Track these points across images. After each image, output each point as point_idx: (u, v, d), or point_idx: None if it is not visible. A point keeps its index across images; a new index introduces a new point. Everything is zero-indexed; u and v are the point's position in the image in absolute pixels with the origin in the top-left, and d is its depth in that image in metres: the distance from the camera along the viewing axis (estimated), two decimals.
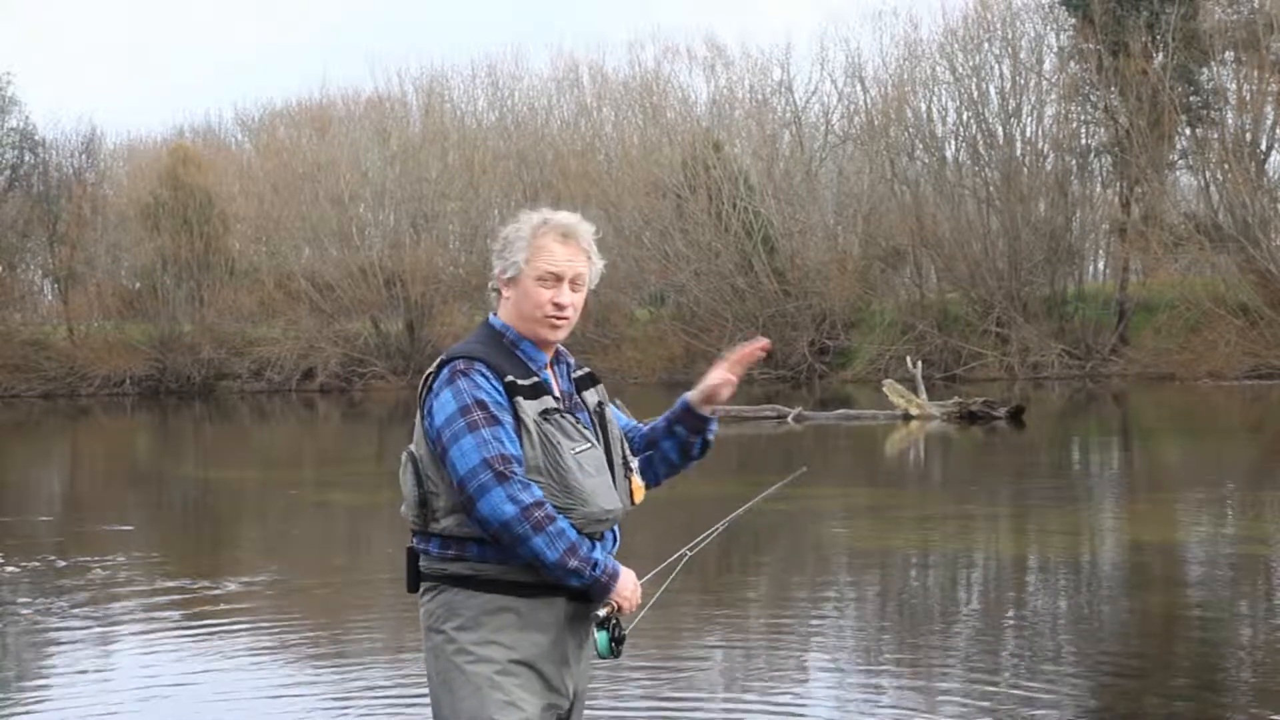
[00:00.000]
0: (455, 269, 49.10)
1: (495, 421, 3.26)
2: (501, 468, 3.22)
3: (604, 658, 3.34)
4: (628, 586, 3.35)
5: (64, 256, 51.82)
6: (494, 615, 3.30)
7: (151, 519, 15.29)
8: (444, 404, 3.30)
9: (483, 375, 3.30)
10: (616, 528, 3.47)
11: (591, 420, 3.46)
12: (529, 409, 3.30)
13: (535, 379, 3.36)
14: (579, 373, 3.55)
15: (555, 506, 3.25)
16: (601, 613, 3.31)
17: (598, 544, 3.34)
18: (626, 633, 3.36)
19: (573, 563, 3.24)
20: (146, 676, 7.24)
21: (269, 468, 21.71)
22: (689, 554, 3.68)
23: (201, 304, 48.82)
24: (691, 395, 3.66)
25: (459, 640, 3.31)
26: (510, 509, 3.21)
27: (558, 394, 3.41)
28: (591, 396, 3.52)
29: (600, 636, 3.31)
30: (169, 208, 49.42)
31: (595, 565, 3.28)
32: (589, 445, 3.36)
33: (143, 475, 21.23)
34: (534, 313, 3.39)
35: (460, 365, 3.33)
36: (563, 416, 3.35)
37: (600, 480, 3.35)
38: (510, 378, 3.31)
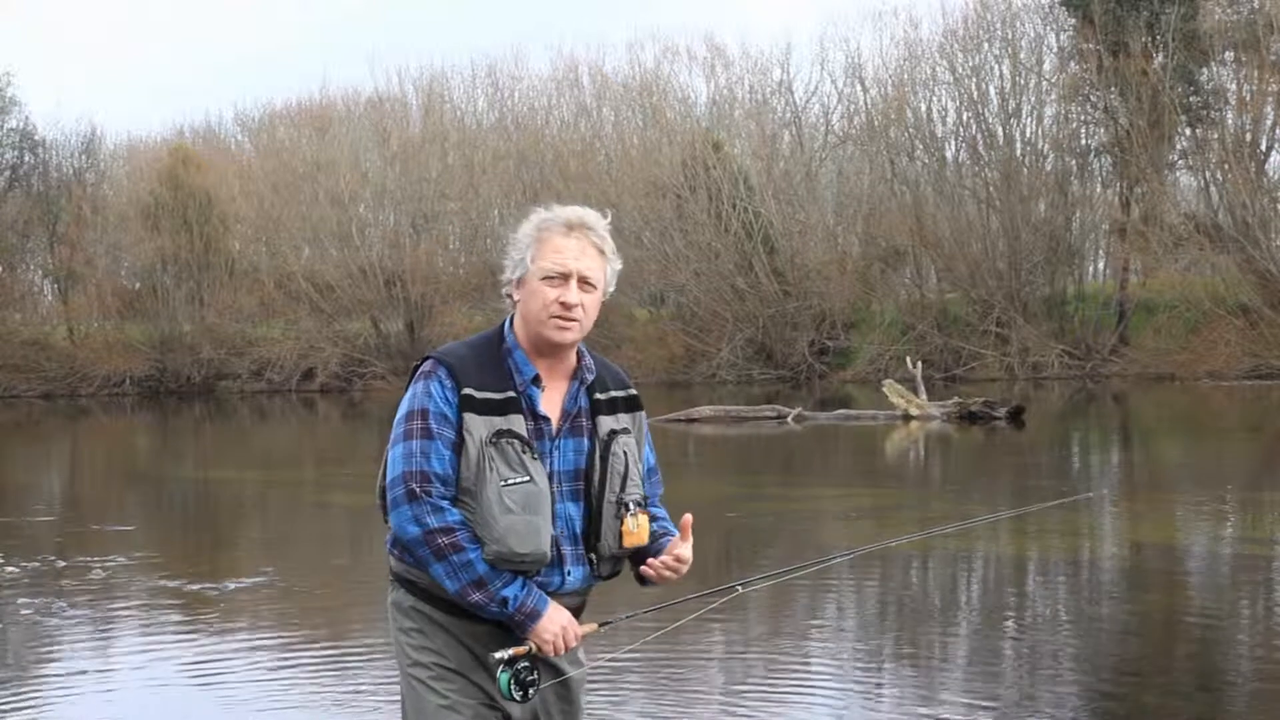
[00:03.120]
0: (455, 269, 49.14)
1: (429, 434, 3.12)
2: (416, 485, 3.09)
3: (506, 700, 3.15)
4: (549, 629, 3.14)
5: (64, 256, 51.85)
6: (427, 622, 3.22)
7: (151, 519, 15.29)
8: (402, 404, 3.22)
9: (440, 382, 3.16)
10: (587, 563, 3.26)
11: (591, 446, 3.26)
12: (478, 426, 3.12)
13: (509, 394, 3.17)
14: (612, 394, 3.32)
15: (470, 536, 3.10)
16: (502, 655, 3.11)
17: (518, 580, 3.12)
18: (537, 680, 3.14)
19: (475, 596, 3.09)
20: (146, 676, 7.24)
21: (269, 468, 21.71)
22: (740, 589, 3.48)
23: (201, 304, 48.84)
24: (642, 568, 3.34)
25: (400, 640, 3.27)
26: (413, 530, 3.10)
27: (542, 413, 3.20)
28: (606, 422, 3.29)
29: (501, 677, 3.12)
30: (169, 208, 49.43)
31: (506, 603, 3.10)
32: (523, 480, 3.11)
33: (143, 475, 21.22)
34: (540, 313, 3.19)
35: (427, 367, 3.23)
36: (511, 442, 3.12)
37: (520, 519, 3.09)
38: (469, 390, 3.14)
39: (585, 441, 3.26)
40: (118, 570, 10.68)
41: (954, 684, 6.74)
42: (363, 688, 6.87)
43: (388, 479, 3.17)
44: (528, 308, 3.23)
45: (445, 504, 3.11)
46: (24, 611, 9.09)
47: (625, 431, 3.32)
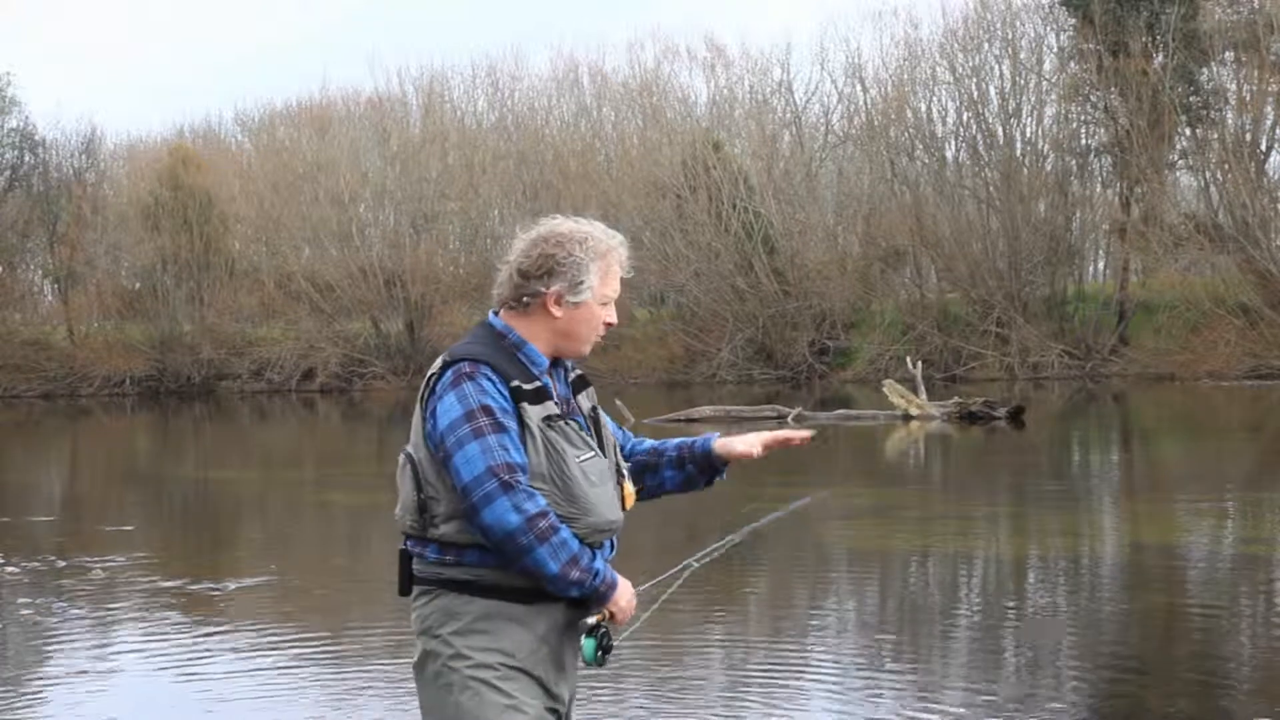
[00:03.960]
0: (455, 269, 49.13)
1: (501, 428, 3.19)
2: (507, 476, 3.15)
3: (589, 665, 3.29)
4: (624, 596, 3.31)
5: (64, 256, 51.82)
6: (492, 621, 3.23)
7: (151, 519, 15.29)
8: (448, 408, 3.21)
9: (488, 379, 3.22)
10: (615, 535, 3.42)
11: (587, 425, 3.40)
12: (533, 415, 3.23)
13: (538, 384, 3.29)
14: (575, 374, 3.50)
15: (559, 516, 3.20)
16: (591, 620, 3.27)
17: (597, 553, 3.29)
18: (615, 643, 3.31)
19: (575, 574, 3.19)
20: (146, 676, 7.24)
21: (269, 468, 21.72)
22: (695, 565, 3.58)
23: (201, 304, 48.83)
24: (717, 445, 3.59)
25: (455, 645, 3.24)
26: (515, 519, 3.14)
27: (557, 399, 3.34)
28: (585, 401, 3.46)
29: (587, 644, 3.26)
30: (169, 208, 49.41)
31: (596, 575, 3.23)
32: (593, 453, 3.30)
33: (143, 475, 21.22)
34: (590, 334, 3.38)
35: (466, 368, 3.24)
36: (566, 423, 3.28)
37: (604, 490, 3.29)
38: (515, 382, 3.24)
39: (581, 419, 3.39)
40: (118, 570, 10.68)
41: (954, 684, 6.75)
42: (363, 687, 6.87)
43: (467, 479, 3.17)
44: (575, 325, 3.37)
45: (534, 490, 3.20)
46: (24, 611, 9.09)
47: (595, 406, 3.50)
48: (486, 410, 3.19)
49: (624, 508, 3.42)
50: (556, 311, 3.33)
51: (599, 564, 3.26)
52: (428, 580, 3.29)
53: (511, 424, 3.21)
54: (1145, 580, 9.63)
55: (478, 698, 3.22)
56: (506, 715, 3.20)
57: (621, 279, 3.44)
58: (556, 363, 3.43)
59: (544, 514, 3.16)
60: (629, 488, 3.44)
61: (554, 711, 3.31)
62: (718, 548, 3.67)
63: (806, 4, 69.16)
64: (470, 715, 3.22)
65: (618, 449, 3.50)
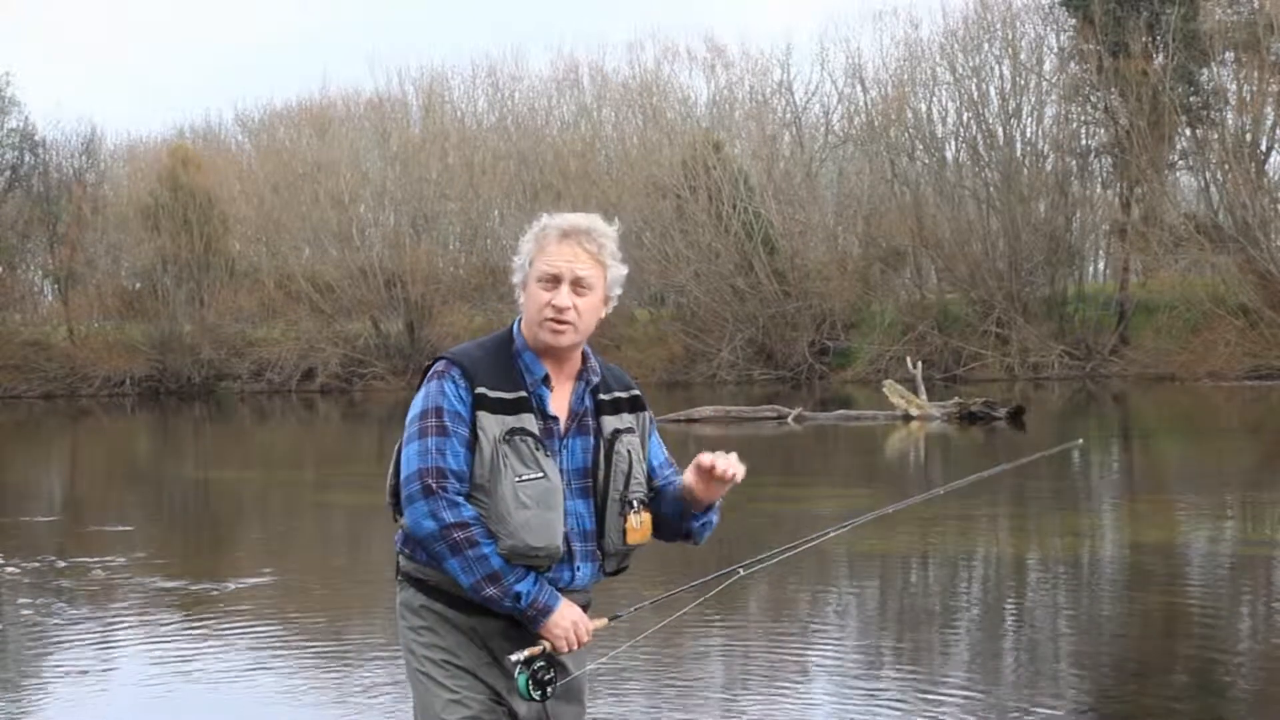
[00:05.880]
0: (455, 269, 49.13)
1: (444, 432, 3.18)
2: (432, 481, 3.14)
3: (526, 700, 3.18)
4: (560, 624, 3.19)
5: (64, 257, 51.83)
6: (437, 619, 3.26)
7: (151, 519, 15.28)
8: (415, 403, 3.27)
9: (453, 381, 3.21)
10: (595, 560, 3.30)
11: (595, 445, 3.32)
12: (491, 425, 3.18)
13: (520, 394, 3.23)
14: (615, 395, 3.39)
15: (487, 531, 3.15)
16: (520, 655, 3.14)
17: (531, 575, 3.17)
18: (555, 679, 3.17)
19: (489, 590, 3.13)
20: (146, 676, 7.24)
21: (269, 468, 21.71)
22: (742, 572, 3.52)
23: (201, 304, 48.83)
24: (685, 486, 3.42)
25: (409, 638, 3.30)
26: (429, 524, 3.14)
27: (551, 413, 3.27)
28: (610, 422, 3.35)
29: (519, 678, 3.15)
30: (169, 208, 49.43)
31: (519, 598, 3.14)
32: (538, 475, 3.17)
33: (143, 475, 21.22)
34: (535, 316, 3.27)
35: (440, 366, 3.28)
36: (525, 440, 3.18)
37: (535, 514, 3.15)
38: (482, 389, 3.20)
39: (591, 440, 3.33)
40: (118, 570, 10.68)
41: (954, 684, 6.74)
42: (363, 687, 6.87)
43: (402, 476, 3.22)
44: (527, 310, 3.31)
45: (460, 499, 3.16)
46: (24, 611, 9.09)
47: (629, 431, 3.38)
48: (438, 412, 3.20)
49: (625, 541, 3.33)
50: (521, 298, 3.36)
51: (525, 586, 3.15)
52: (401, 572, 3.36)
53: (461, 430, 3.18)
54: (1145, 580, 9.62)
55: (425, 689, 3.25)
56: (449, 710, 3.20)
57: (589, 272, 3.26)
58: (582, 374, 3.34)
59: (463, 525, 3.12)
60: (632, 522, 3.32)
61: (499, 703, 3.24)
62: (768, 557, 3.59)
63: (806, 4, 69.23)
64: (422, 704, 3.27)
65: (637, 480, 3.35)
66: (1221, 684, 6.76)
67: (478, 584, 3.14)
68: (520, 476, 3.16)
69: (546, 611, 3.18)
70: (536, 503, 3.15)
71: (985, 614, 8.73)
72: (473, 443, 3.18)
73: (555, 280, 3.26)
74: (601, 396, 3.38)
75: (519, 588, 3.15)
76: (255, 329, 49.37)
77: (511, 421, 3.19)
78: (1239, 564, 10.29)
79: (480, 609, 3.21)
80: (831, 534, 3.79)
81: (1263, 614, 8.67)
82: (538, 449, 3.20)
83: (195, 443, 29.55)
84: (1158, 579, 9.65)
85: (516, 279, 3.36)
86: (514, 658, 3.15)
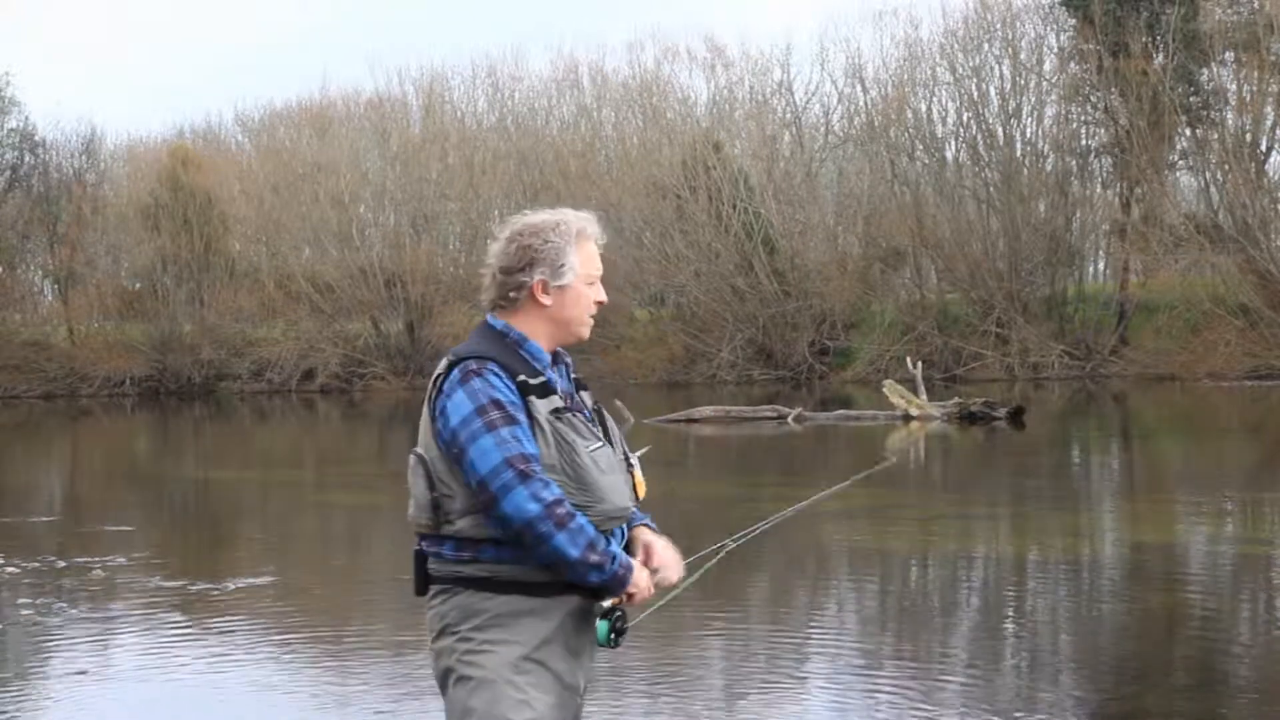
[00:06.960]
0: (455, 269, 49.06)
1: (512, 421, 3.26)
2: (523, 466, 3.22)
3: (603, 646, 3.36)
4: (642, 579, 3.38)
5: (64, 257, 51.81)
6: (510, 615, 3.30)
7: (151, 519, 15.29)
8: (458, 405, 3.28)
9: (495, 375, 3.30)
10: (624, 524, 3.49)
11: (593, 418, 3.49)
12: (541, 408, 3.31)
13: (543, 378, 3.37)
14: (574, 375, 3.58)
15: (572, 504, 3.26)
16: (607, 604, 3.34)
17: (611, 539, 3.37)
18: (628, 626, 3.37)
19: (594, 557, 3.25)
20: (146, 676, 7.24)
21: (269, 468, 21.72)
22: (731, 544, 3.68)
23: (201, 304, 48.81)
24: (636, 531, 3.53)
25: (474, 640, 3.30)
26: (534, 507, 3.20)
27: (562, 393, 3.43)
28: (587, 397, 3.56)
29: (601, 626, 3.33)
30: (169, 208, 49.40)
31: (614, 559, 3.30)
32: (601, 443, 3.39)
33: (143, 475, 21.22)
34: (581, 314, 3.45)
35: (473, 365, 3.32)
36: (573, 415, 3.36)
37: (614, 478, 3.37)
38: (522, 377, 3.32)
39: (587, 413, 3.49)
40: (118, 570, 10.68)
41: (954, 684, 6.74)
42: (363, 687, 6.87)
43: (484, 472, 3.24)
44: (565, 309, 3.44)
45: (549, 479, 3.26)
46: (24, 611, 9.09)
47: (598, 403, 3.59)
48: (497, 404, 3.27)
49: (637, 496, 3.51)
50: (545, 300, 3.42)
51: (615, 548, 3.34)
52: (445, 579, 3.35)
53: (522, 417, 3.29)
54: (1145, 580, 9.63)
55: (492, 691, 3.27)
56: (518, 710, 3.25)
57: (604, 259, 3.52)
58: (556, 359, 3.52)
59: (560, 501, 3.24)
60: (639, 476, 3.53)
61: (567, 705, 3.35)
62: (753, 530, 3.81)
63: (806, 4, 69.18)
64: (483, 709, 3.28)
65: (624, 441, 3.59)
66: (1222, 684, 6.77)
67: (584, 554, 3.24)
68: (589, 447, 3.34)
69: (631, 569, 3.35)
70: (609, 469, 3.37)
71: (985, 614, 8.73)
72: (532, 428, 3.30)
73: (596, 280, 3.48)
74: (575, 376, 3.59)
75: (613, 549, 3.32)
76: (255, 329, 49.34)
77: (551, 403, 3.35)
78: (1239, 564, 10.29)
79: (566, 590, 3.31)
80: (804, 505, 3.97)
81: (1263, 614, 8.67)
82: (587, 421, 3.41)
83: (195, 443, 29.55)
84: (1158, 579, 9.66)
85: (558, 280, 3.42)
86: (604, 604, 3.33)
